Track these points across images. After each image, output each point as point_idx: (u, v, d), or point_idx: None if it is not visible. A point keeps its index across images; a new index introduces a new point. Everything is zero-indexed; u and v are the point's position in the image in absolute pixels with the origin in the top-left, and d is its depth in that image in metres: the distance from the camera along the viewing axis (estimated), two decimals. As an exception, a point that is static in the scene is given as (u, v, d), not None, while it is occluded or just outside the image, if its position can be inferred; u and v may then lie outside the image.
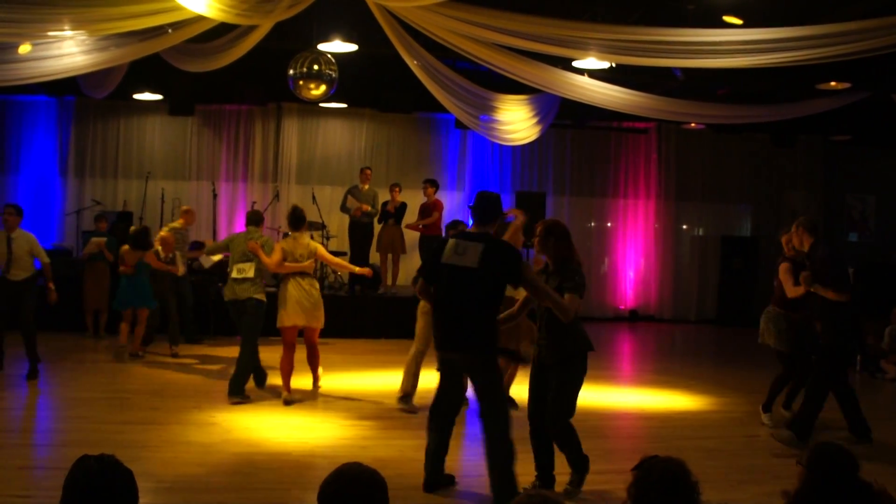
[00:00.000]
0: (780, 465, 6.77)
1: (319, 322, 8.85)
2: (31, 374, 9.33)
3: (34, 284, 9.65)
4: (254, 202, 15.42)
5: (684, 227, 17.98)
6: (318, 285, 8.96)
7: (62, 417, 8.23)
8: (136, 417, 7.89)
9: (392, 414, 8.33)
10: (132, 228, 11.60)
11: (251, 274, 8.86)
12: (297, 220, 8.81)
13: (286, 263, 8.65)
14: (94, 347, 11.85)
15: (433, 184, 14.30)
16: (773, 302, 8.22)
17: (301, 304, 8.62)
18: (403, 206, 14.16)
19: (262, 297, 8.91)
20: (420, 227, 14.02)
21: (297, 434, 7.44)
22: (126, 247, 10.92)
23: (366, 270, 10.15)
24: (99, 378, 9.70)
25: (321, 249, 9.04)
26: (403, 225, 14.16)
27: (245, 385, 8.73)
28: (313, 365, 9.23)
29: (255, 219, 9.38)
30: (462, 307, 5.60)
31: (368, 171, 14.16)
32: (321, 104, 14.19)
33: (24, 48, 9.21)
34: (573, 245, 6.10)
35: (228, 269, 9.20)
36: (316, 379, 9.36)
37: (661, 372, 11.49)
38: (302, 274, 8.70)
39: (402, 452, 6.78)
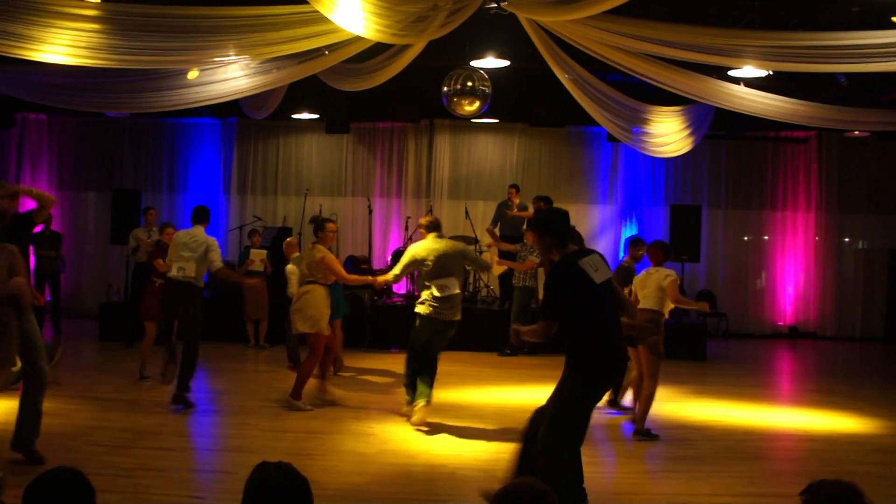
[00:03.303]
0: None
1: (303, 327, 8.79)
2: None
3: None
4: (408, 217, 15.75)
5: (847, 239, 17.16)
6: (311, 292, 8.77)
7: (227, 423, 8.57)
8: (296, 426, 8.15)
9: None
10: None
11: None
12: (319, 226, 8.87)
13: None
14: (254, 357, 12.31)
15: (547, 201, 14.14)
16: None
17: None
18: None
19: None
20: None
21: (452, 447, 7.51)
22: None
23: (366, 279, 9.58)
24: (260, 387, 10.07)
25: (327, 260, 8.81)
26: None
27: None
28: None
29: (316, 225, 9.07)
30: (618, 322, 5.48)
31: (512, 191, 14.21)
32: (473, 120, 14.34)
33: (193, 74, 9.72)
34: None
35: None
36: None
37: (825, 392, 10.98)
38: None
39: (556, 467, 6.74)
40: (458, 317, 8.32)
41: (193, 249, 8.88)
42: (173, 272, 8.90)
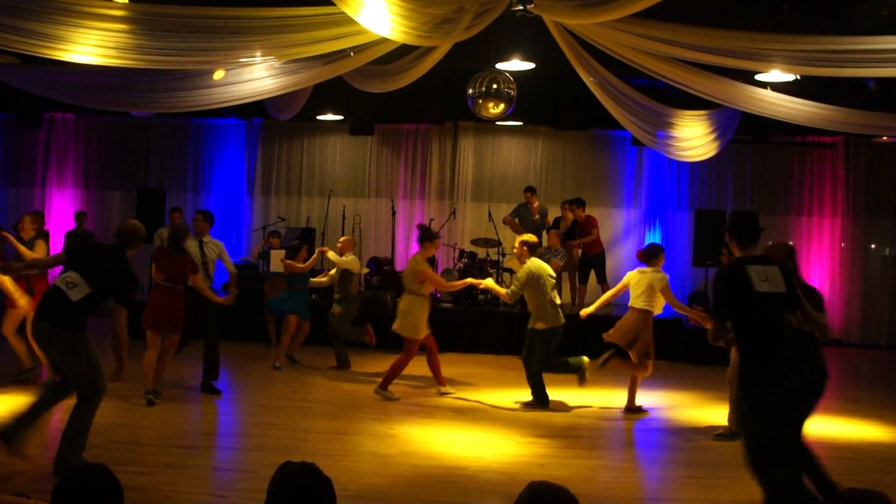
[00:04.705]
0: None
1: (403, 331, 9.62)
2: (205, 387, 9.45)
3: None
4: (431, 219, 15.75)
5: (873, 246, 16.95)
6: (412, 302, 9.53)
7: (249, 423, 8.60)
8: (318, 426, 8.17)
9: (569, 433, 8.27)
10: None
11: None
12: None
13: None
14: (276, 357, 12.30)
15: (578, 202, 14.06)
16: None
17: None
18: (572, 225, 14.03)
19: None
20: (580, 245, 13.88)
21: (474, 449, 7.49)
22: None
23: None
24: (281, 387, 10.11)
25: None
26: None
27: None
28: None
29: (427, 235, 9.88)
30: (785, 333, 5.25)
31: (528, 194, 14.13)
32: (497, 122, 14.29)
33: (219, 74, 9.76)
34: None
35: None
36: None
37: (850, 400, 10.84)
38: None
39: (579, 472, 6.72)
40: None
41: None
42: None
